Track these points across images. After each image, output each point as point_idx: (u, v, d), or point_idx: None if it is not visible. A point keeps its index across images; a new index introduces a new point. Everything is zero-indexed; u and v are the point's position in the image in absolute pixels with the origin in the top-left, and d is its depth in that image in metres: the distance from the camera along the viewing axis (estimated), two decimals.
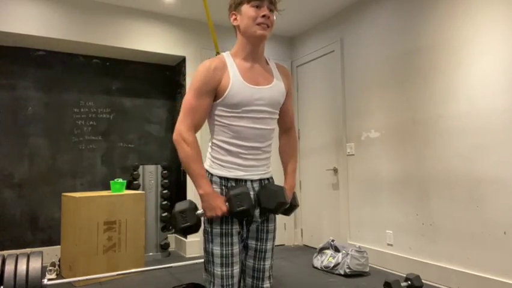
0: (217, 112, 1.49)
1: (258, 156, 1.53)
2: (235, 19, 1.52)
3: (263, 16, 1.45)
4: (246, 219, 1.52)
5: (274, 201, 1.46)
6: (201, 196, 1.42)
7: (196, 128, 1.47)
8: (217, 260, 1.45)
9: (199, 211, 1.45)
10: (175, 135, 1.46)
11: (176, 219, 1.41)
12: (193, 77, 1.49)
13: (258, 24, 1.46)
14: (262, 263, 1.55)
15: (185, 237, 4.20)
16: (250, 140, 1.50)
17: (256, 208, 1.49)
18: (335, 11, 4.17)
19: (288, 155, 1.71)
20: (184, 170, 1.46)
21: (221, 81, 1.44)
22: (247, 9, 1.46)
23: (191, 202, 1.45)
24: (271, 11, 1.48)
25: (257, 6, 1.45)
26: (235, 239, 1.47)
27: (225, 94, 1.44)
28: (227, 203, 1.41)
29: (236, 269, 1.47)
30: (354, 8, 3.95)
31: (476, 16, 2.82)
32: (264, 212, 1.53)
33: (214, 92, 1.46)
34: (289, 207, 1.64)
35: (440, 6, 3.08)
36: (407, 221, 3.32)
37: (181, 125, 1.45)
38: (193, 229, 1.43)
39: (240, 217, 1.44)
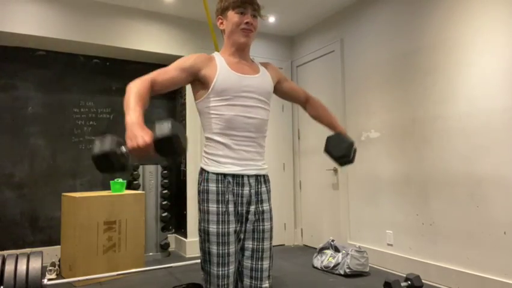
0: (209, 104, 1.51)
1: (251, 149, 1.54)
2: (222, 23, 1.61)
3: (246, 23, 1.53)
4: (242, 213, 1.50)
5: (344, 145, 1.54)
6: (127, 125, 1.25)
7: (155, 83, 1.45)
8: (214, 259, 1.46)
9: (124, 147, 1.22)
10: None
11: (93, 146, 1.19)
12: None
13: (242, 29, 1.54)
14: (260, 263, 1.54)
15: (186, 237, 4.20)
16: (241, 130, 1.51)
17: (185, 141, 1.27)
18: (334, 11, 4.17)
19: (323, 111, 1.81)
20: (124, 105, 1.32)
21: (202, 68, 1.50)
22: (232, 15, 1.55)
23: (118, 138, 1.24)
24: (254, 17, 1.57)
25: (241, 13, 1.54)
26: (232, 238, 1.48)
27: (214, 82, 1.49)
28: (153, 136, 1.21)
29: (232, 268, 1.47)
30: (354, 8, 3.95)
31: (476, 16, 2.82)
32: (341, 160, 1.64)
33: (190, 75, 1.51)
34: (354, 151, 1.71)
35: (440, 6, 3.08)
36: (407, 221, 3.32)
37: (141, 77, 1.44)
38: (110, 163, 1.18)
39: (164, 150, 1.21)
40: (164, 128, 1.18)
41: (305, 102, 1.84)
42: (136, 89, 1.36)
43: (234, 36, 1.56)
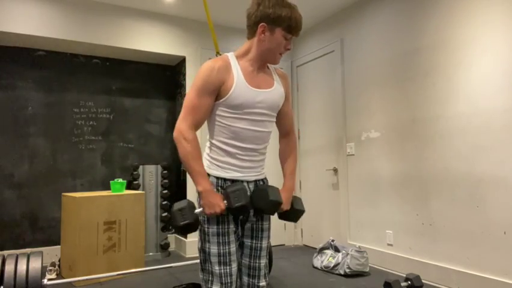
0: (218, 112, 1.50)
1: (254, 158, 1.56)
2: (263, 32, 1.50)
3: (287, 49, 1.56)
4: (241, 218, 1.54)
5: (266, 200, 1.47)
6: (200, 193, 1.44)
7: (197, 126, 1.48)
8: (215, 259, 1.47)
9: (198, 209, 1.46)
10: (175, 133, 1.46)
11: (175, 217, 1.42)
12: (195, 76, 1.50)
13: (281, 54, 1.56)
14: (257, 261, 1.57)
15: (185, 237, 4.20)
16: (247, 142, 1.52)
17: (251, 207, 1.51)
18: (335, 11, 4.17)
19: (288, 157, 1.71)
20: (184, 169, 1.46)
21: (224, 81, 1.46)
22: (279, 34, 1.52)
23: (189, 201, 1.46)
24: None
25: (287, 38, 1.54)
26: (232, 238, 1.50)
27: (228, 95, 1.46)
28: (225, 201, 1.43)
29: (234, 267, 1.49)
30: (354, 8, 3.95)
31: (476, 16, 2.82)
32: (258, 213, 1.55)
33: (216, 92, 1.47)
34: (292, 212, 1.64)
35: (440, 6, 3.08)
36: (407, 221, 3.32)
37: (182, 123, 1.46)
38: (192, 227, 1.43)
39: (238, 213, 1.45)
40: (241, 198, 1.42)
41: (284, 135, 1.73)
42: (191, 148, 1.43)
43: (270, 55, 1.53)
